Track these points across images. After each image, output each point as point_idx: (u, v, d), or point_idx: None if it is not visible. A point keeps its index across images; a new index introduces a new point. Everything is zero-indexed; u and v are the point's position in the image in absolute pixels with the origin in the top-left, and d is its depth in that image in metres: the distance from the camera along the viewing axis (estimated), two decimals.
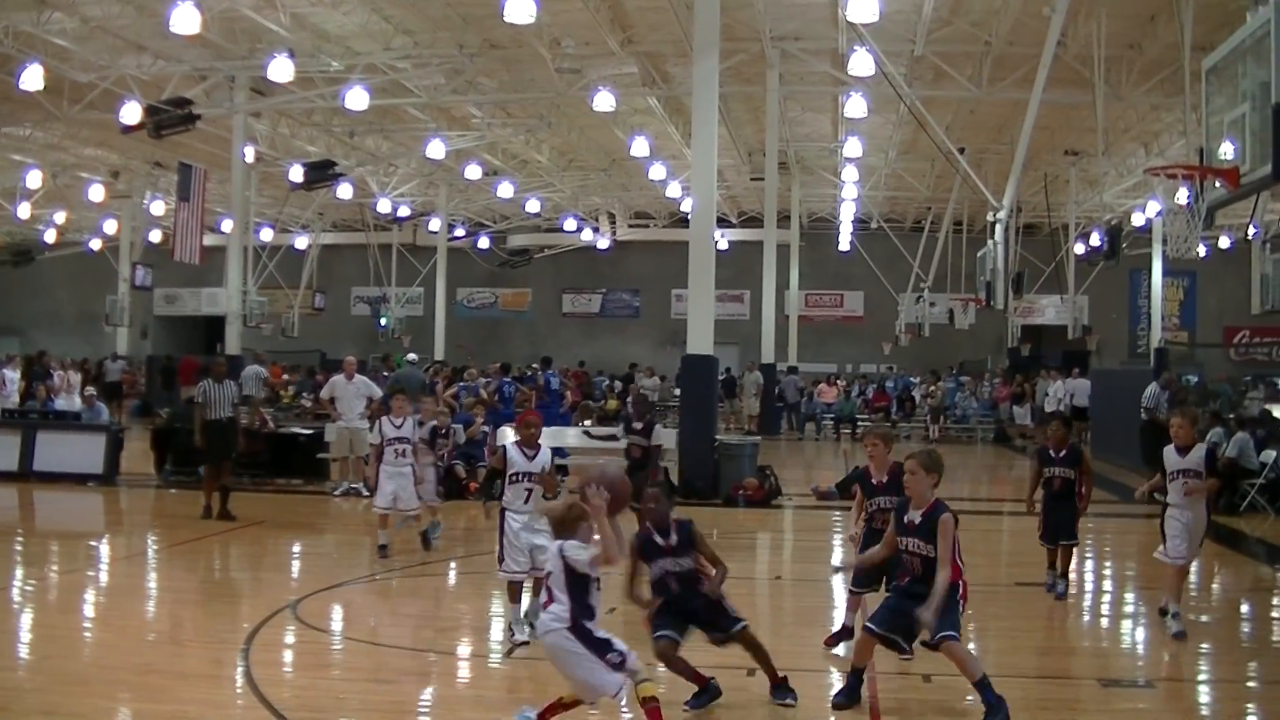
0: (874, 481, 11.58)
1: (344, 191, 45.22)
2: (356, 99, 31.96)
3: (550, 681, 9.50)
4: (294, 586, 13.91)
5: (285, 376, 39.29)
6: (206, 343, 54.80)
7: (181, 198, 35.55)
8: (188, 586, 14.52)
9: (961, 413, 44.21)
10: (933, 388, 46.20)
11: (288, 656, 11.35)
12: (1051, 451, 14.53)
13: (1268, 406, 32.02)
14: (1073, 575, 14.21)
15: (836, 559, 16.85)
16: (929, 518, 9.53)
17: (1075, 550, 14.57)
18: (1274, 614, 14.45)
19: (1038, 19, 26.39)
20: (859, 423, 43.49)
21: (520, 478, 11.84)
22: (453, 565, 16.47)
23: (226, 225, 41.42)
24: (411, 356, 36.81)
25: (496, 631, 12.59)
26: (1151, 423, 25.92)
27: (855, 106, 33.67)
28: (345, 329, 60.20)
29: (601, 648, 8.57)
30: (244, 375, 31.72)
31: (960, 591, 9.61)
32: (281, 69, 29.60)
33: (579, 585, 8.58)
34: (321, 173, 38.76)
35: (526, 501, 11.82)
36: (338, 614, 13.07)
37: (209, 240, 40.38)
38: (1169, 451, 12.47)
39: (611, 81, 33.23)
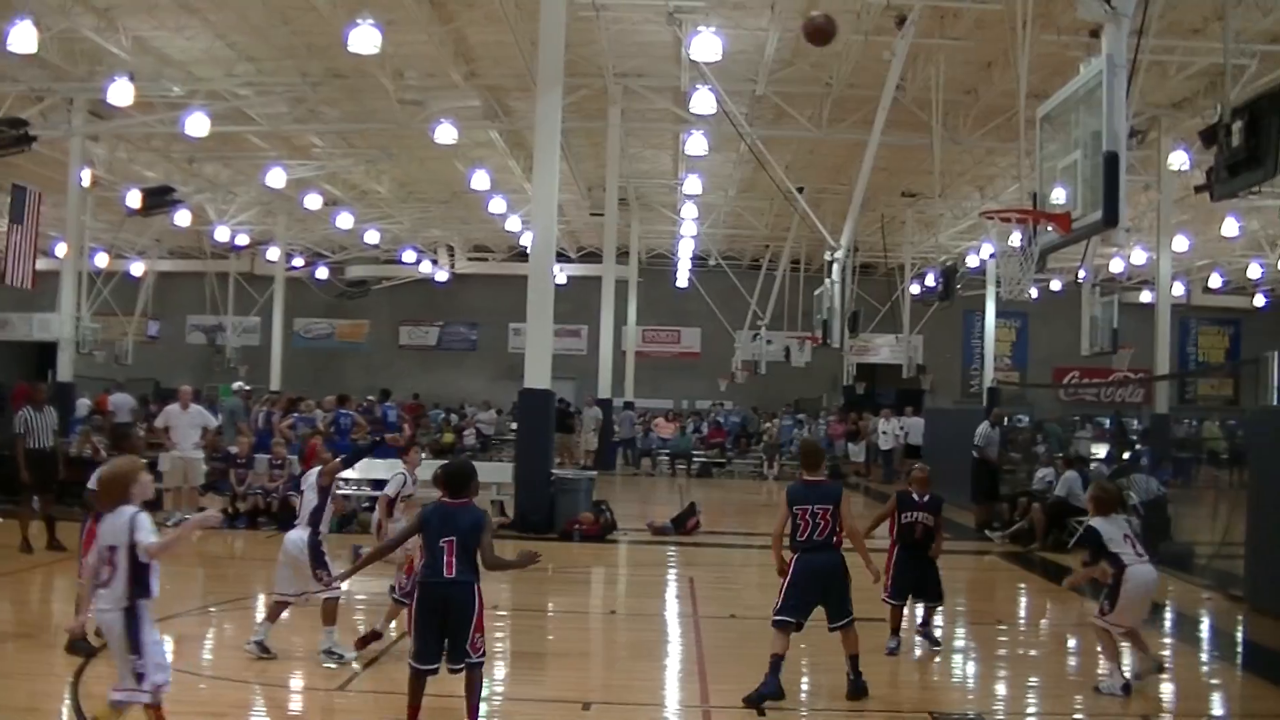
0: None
1: (182, 218, 44.57)
2: (197, 125, 31.55)
3: (387, 714, 9.45)
4: None
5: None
6: (38, 369, 53.72)
7: (14, 220, 34.79)
8: (12, 618, 14.20)
9: (797, 449, 44.56)
10: (767, 424, 46.47)
11: None
12: (914, 495, 13.43)
13: (1094, 446, 32.71)
14: (905, 609, 14.06)
15: None
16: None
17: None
18: (1099, 647, 14.71)
19: (878, 62, 26.76)
20: (694, 458, 43.78)
21: None
22: None
23: (60, 249, 40.70)
24: (237, 385, 36.39)
25: (328, 663, 12.49)
26: (982, 461, 26.33)
27: (696, 144, 33.82)
28: (181, 357, 59.13)
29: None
30: (114, 403, 31.17)
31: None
32: (121, 92, 29.07)
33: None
34: (159, 198, 38.16)
35: None
36: (168, 646, 12.83)
37: (42, 264, 39.55)
38: None
39: (453, 114, 33.21)
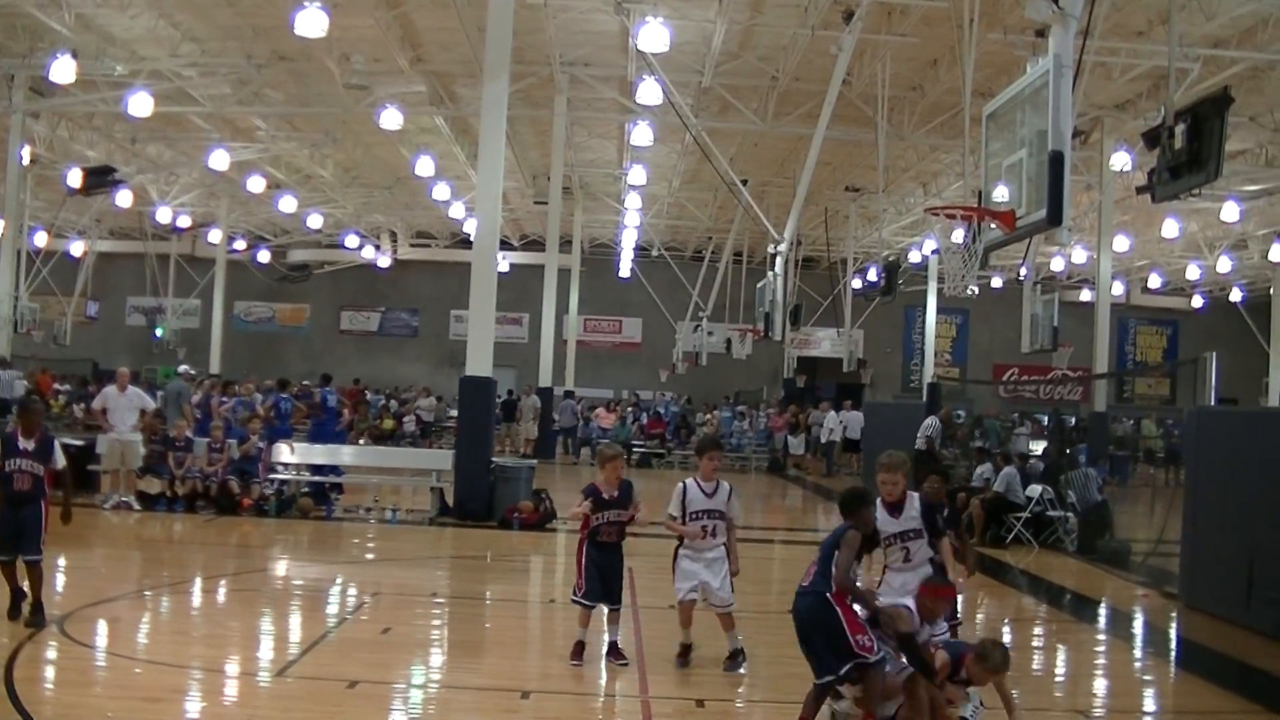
0: (605, 496, 11.68)
1: (123, 199, 44.12)
2: (140, 104, 31.23)
3: (324, 700, 9.40)
4: (59, 602, 13.49)
5: (56, 386, 38.25)
6: None
7: None
8: None
9: (737, 441, 44.59)
10: (707, 416, 46.54)
11: (52, 673, 11.00)
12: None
13: (1033, 442, 32.93)
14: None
15: None
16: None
17: None
18: (1035, 643, 14.80)
19: (824, 57, 26.86)
20: (635, 448, 43.76)
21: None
22: (222, 582, 16.18)
23: None
24: (183, 369, 36.12)
25: (266, 649, 12.43)
26: (928, 452, 26.48)
27: (641, 134, 33.87)
28: (119, 339, 58.82)
29: None
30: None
31: None
32: (64, 70, 28.75)
33: None
34: (101, 178, 37.70)
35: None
36: (104, 630, 12.75)
37: None
38: None
39: (399, 99, 33.09)
